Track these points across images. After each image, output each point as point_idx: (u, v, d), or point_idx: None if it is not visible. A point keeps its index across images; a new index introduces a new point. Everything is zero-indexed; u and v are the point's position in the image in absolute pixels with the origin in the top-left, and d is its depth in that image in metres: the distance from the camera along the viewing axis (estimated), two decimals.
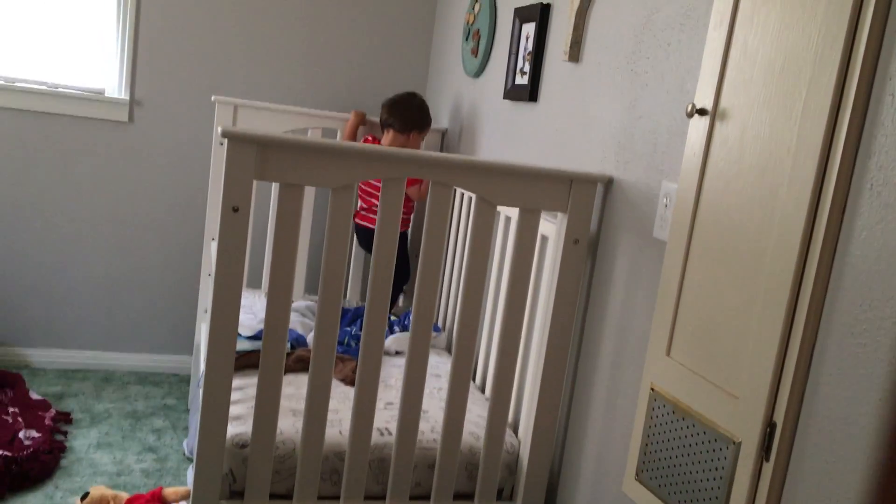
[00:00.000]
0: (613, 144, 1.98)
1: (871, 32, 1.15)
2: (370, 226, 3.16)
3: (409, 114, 3.06)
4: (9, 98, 3.33)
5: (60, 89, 3.40)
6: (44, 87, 3.38)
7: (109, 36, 3.43)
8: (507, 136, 2.72)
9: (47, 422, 2.96)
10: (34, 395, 3.18)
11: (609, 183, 1.98)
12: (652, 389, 1.58)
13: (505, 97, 2.71)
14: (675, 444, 1.49)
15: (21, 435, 2.79)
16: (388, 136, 3.08)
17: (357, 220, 3.24)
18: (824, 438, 1.21)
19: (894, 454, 1.09)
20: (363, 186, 3.18)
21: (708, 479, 1.40)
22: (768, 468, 1.29)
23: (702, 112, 1.49)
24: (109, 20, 3.41)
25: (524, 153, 2.55)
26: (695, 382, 1.45)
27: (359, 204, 3.22)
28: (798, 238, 1.24)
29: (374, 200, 3.11)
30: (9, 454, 2.61)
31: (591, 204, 1.95)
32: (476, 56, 3.03)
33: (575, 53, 2.22)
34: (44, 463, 2.67)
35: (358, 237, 3.34)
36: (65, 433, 2.98)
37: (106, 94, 3.46)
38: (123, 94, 3.45)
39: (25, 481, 2.59)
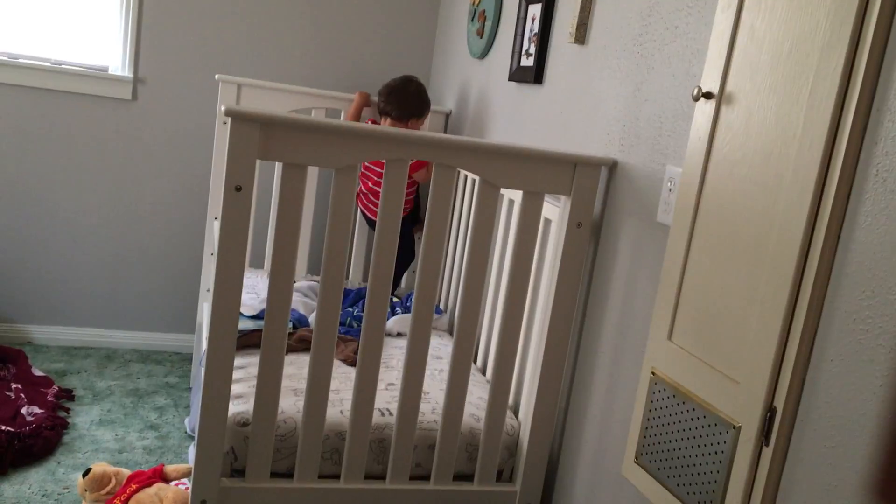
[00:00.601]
0: (618, 128, 1.97)
1: (879, 17, 1.14)
2: (373, 217, 3.15)
3: (406, 101, 3.04)
4: (11, 74, 3.32)
5: (64, 66, 3.39)
6: (47, 64, 3.37)
7: (113, 13, 3.41)
8: (511, 118, 2.71)
9: (50, 398, 2.97)
10: (37, 372, 3.19)
11: (613, 166, 1.98)
12: (653, 373, 1.58)
13: (510, 79, 2.70)
14: (675, 428, 1.50)
15: (24, 411, 2.81)
16: (385, 124, 3.05)
17: (365, 211, 3.24)
18: (824, 424, 1.21)
19: (894, 440, 1.09)
20: (371, 175, 3.16)
21: (707, 463, 1.40)
22: (768, 453, 1.29)
23: (708, 96, 1.48)
24: None
25: (528, 135, 2.54)
26: (696, 367, 1.45)
27: (359, 186, 3.21)
28: (802, 224, 1.23)
29: (378, 189, 3.09)
30: (11, 430, 2.63)
31: (594, 187, 1.94)
32: (481, 37, 3.01)
33: (581, 35, 2.20)
34: (46, 439, 2.69)
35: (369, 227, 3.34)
36: (67, 410, 2.99)
37: (109, 72, 3.45)
38: (127, 72, 3.44)
39: (28, 457, 2.61)
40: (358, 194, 3.22)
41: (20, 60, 3.34)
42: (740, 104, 1.40)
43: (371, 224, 3.23)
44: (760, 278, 1.31)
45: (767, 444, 1.29)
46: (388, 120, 3.04)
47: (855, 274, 1.17)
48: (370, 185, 3.15)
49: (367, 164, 3.14)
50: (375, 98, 3.24)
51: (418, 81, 3.11)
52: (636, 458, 1.62)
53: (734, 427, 1.34)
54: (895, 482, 1.09)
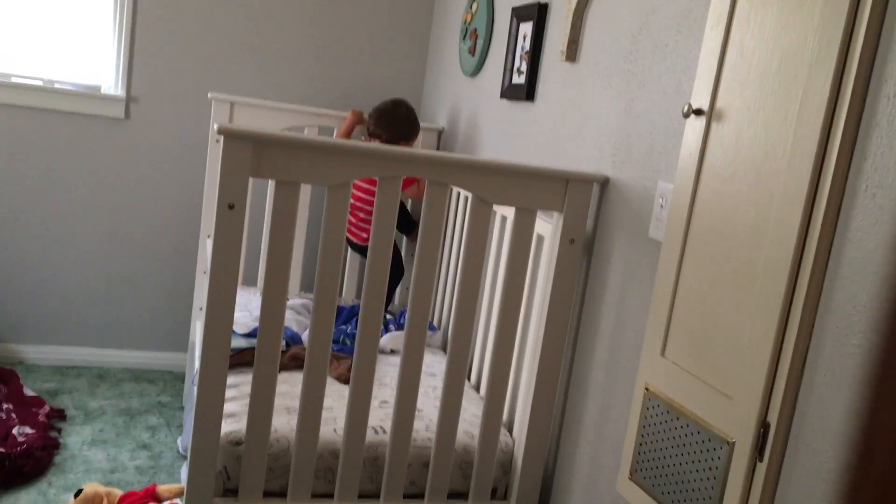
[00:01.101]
0: (610, 144, 1.98)
1: (867, 34, 1.16)
2: (355, 241, 3.12)
3: (395, 125, 3.04)
4: (4, 94, 3.32)
5: (56, 85, 3.39)
6: (40, 83, 3.38)
7: (106, 32, 3.42)
8: (503, 135, 2.72)
9: (41, 418, 2.95)
10: (28, 392, 3.17)
11: (605, 183, 1.98)
12: (646, 389, 1.58)
13: (502, 96, 2.71)
14: (669, 444, 1.49)
15: (15, 431, 2.79)
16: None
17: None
18: (818, 439, 1.21)
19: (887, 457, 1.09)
20: (353, 191, 3.16)
21: (702, 479, 1.40)
22: (762, 468, 1.29)
23: (698, 112, 1.49)
24: (106, 16, 3.40)
25: (521, 152, 2.55)
26: (689, 382, 1.45)
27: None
28: (793, 239, 1.24)
29: (360, 214, 3.07)
30: (2, 450, 2.60)
31: (587, 204, 1.95)
32: (473, 55, 3.03)
33: (572, 53, 2.22)
34: (37, 459, 2.66)
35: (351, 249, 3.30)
36: (59, 430, 2.97)
37: (102, 91, 3.46)
38: (120, 91, 3.44)
39: (19, 478, 2.59)
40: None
41: (13, 79, 3.34)
42: (730, 120, 1.41)
43: (349, 244, 3.20)
44: (752, 293, 1.32)
45: (761, 460, 1.29)
46: (378, 142, 3.04)
47: (846, 288, 1.18)
48: (352, 201, 3.13)
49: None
50: (367, 117, 3.24)
51: (408, 105, 3.11)
52: (631, 474, 1.61)
53: (728, 443, 1.34)
54: (862, 491, 1.09)
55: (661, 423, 1.52)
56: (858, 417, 1.14)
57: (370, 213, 2.99)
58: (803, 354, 1.25)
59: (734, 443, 1.33)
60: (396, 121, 3.04)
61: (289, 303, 2.89)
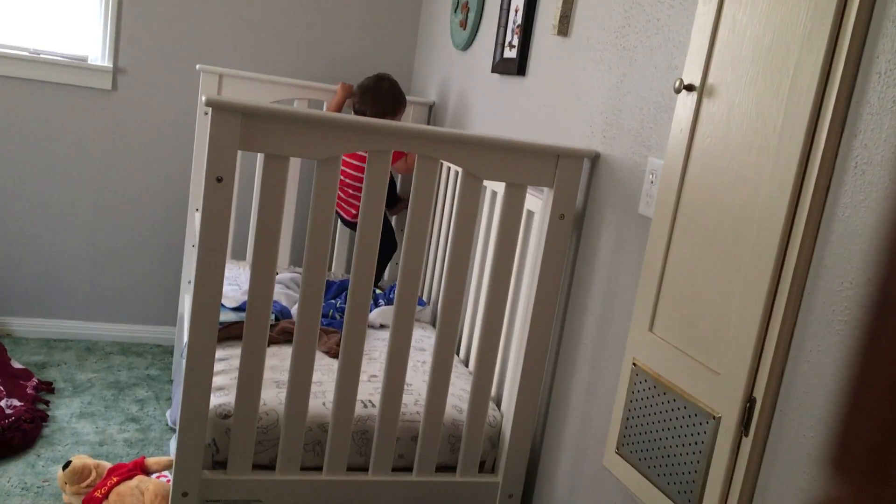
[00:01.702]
0: (601, 120, 1.97)
1: (859, 11, 1.15)
2: (345, 216, 3.12)
3: (379, 100, 3.03)
4: None
5: (42, 56, 3.35)
6: (25, 54, 3.33)
7: (93, 2, 3.37)
8: (494, 110, 2.71)
9: (29, 391, 2.95)
10: (16, 365, 3.17)
11: (596, 158, 1.98)
12: (634, 364, 1.59)
13: (493, 71, 2.70)
14: (655, 419, 1.51)
15: (3, 404, 2.78)
16: None
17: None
18: (803, 414, 1.22)
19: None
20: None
21: (688, 453, 1.41)
22: (747, 443, 1.30)
23: (689, 88, 1.48)
24: None
25: (511, 127, 2.54)
26: (676, 358, 1.46)
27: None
28: (782, 215, 1.24)
29: (349, 190, 3.07)
30: None
31: (577, 179, 1.95)
32: (464, 29, 3.01)
33: (564, 27, 2.20)
34: (26, 432, 2.66)
35: (342, 223, 3.31)
36: (47, 402, 2.97)
37: (89, 62, 3.42)
38: (107, 62, 3.40)
39: (7, 450, 2.59)
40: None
41: None
42: (722, 97, 1.41)
43: (340, 219, 3.21)
44: (741, 270, 1.32)
45: (747, 435, 1.30)
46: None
47: (834, 265, 1.18)
48: (341, 177, 3.13)
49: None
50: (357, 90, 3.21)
51: (391, 79, 3.09)
52: (617, 448, 1.63)
53: (714, 417, 1.35)
54: (847, 452, 1.11)
55: (647, 397, 1.53)
56: (844, 392, 1.15)
57: (359, 189, 2.98)
58: (790, 330, 1.25)
59: (720, 417, 1.34)
60: (380, 95, 3.03)
61: (278, 277, 2.89)
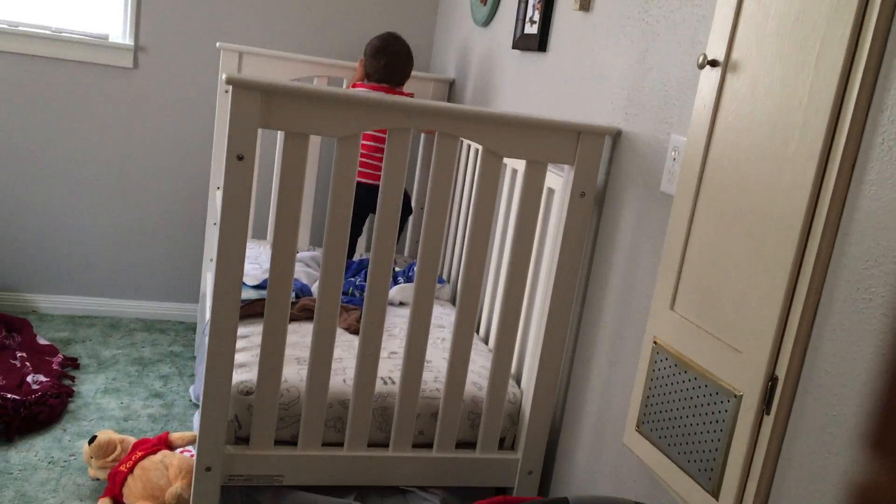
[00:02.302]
0: (622, 96, 1.96)
1: None
2: (364, 181, 3.09)
3: (403, 68, 2.97)
4: (12, 42, 3.30)
5: (64, 34, 3.36)
6: (47, 32, 3.35)
7: None
8: (515, 86, 2.69)
9: (55, 367, 2.99)
10: (41, 341, 3.21)
11: (617, 135, 1.96)
12: (655, 342, 1.58)
13: (513, 47, 2.67)
14: (676, 397, 1.50)
15: (29, 379, 2.83)
16: (375, 88, 2.97)
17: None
18: (825, 393, 1.21)
19: (892, 409, 1.09)
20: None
21: (708, 432, 1.41)
22: (769, 421, 1.30)
23: (713, 63, 1.46)
24: None
25: (532, 104, 2.52)
26: (698, 336, 1.46)
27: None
28: (807, 193, 1.23)
29: (364, 160, 3.03)
30: (17, 398, 2.65)
31: (598, 157, 1.93)
32: (485, 4, 2.98)
33: (586, 3, 2.18)
34: (52, 407, 2.71)
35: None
36: (72, 378, 3.01)
37: (110, 40, 3.43)
38: (128, 40, 3.41)
39: (34, 425, 2.63)
40: None
41: (20, 28, 3.32)
42: (746, 72, 1.39)
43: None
44: (764, 247, 1.31)
45: (768, 413, 1.30)
46: (382, 85, 2.99)
47: (859, 243, 1.17)
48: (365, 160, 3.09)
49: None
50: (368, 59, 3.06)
51: (403, 40, 3.02)
52: (638, 426, 1.63)
53: (735, 396, 1.35)
54: (889, 432, 1.10)
55: (668, 376, 1.53)
56: (882, 371, 1.14)
57: (373, 152, 2.96)
58: (813, 309, 1.24)
59: (741, 396, 1.33)
60: (404, 64, 2.97)
61: (298, 255, 2.90)
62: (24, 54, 3.32)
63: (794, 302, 1.26)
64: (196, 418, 2.46)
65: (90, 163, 3.51)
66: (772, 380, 1.29)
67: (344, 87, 3.28)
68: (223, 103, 3.08)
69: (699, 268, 1.48)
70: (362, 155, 3.01)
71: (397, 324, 2.46)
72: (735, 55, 1.42)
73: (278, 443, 1.95)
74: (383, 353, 2.14)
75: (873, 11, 1.14)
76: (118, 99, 3.46)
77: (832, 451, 1.19)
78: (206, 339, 1.81)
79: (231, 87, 1.66)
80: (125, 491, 2.26)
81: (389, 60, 2.95)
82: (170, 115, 3.53)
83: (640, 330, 1.78)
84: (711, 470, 1.39)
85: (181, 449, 2.41)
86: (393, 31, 3.10)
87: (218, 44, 3.09)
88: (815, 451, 1.22)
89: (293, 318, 2.34)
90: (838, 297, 1.20)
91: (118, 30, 3.43)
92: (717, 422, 1.39)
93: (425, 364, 2.01)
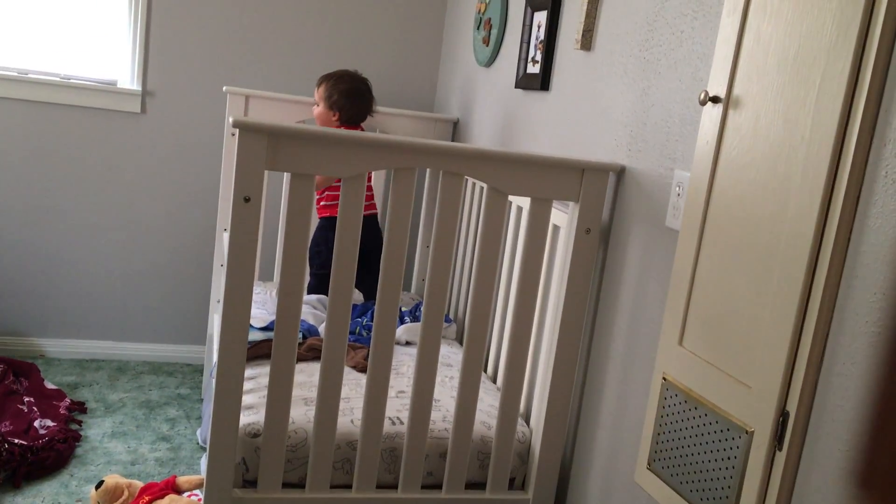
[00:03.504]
0: (625, 133, 1.97)
1: (885, 20, 1.14)
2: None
3: (368, 106, 2.99)
4: (22, 90, 3.34)
5: (73, 80, 3.41)
6: (56, 79, 3.40)
7: (122, 27, 3.44)
8: (518, 125, 2.72)
9: (62, 411, 2.98)
10: (49, 385, 3.21)
11: (621, 172, 1.97)
12: (664, 379, 1.57)
13: (516, 86, 2.70)
14: (687, 434, 1.49)
15: (36, 424, 2.82)
16: (336, 124, 2.96)
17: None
18: (838, 427, 1.20)
19: None
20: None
21: (720, 469, 1.39)
22: (781, 457, 1.28)
23: (715, 100, 1.48)
24: (122, 11, 3.42)
25: (536, 142, 2.54)
26: (707, 372, 1.45)
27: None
28: (812, 227, 1.23)
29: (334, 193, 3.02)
30: (25, 443, 2.63)
31: (602, 193, 1.94)
32: (487, 45, 3.02)
33: (587, 42, 2.21)
34: (59, 452, 2.69)
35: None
36: (79, 422, 3.00)
37: (118, 86, 3.47)
38: (136, 86, 3.46)
39: (41, 470, 2.62)
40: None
41: (30, 75, 3.37)
42: (747, 108, 1.40)
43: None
44: (771, 282, 1.31)
45: (780, 449, 1.28)
46: (360, 126, 2.99)
47: (865, 276, 1.17)
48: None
49: None
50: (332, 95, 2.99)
51: (364, 78, 3.02)
52: (649, 464, 1.61)
53: (747, 432, 1.33)
54: (874, 471, 1.09)
55: (678, 412, 1.52)
56: (870, 407, 1.13)
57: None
58: (822, 343, 1.24)
59: (753, 432, 1.32)
60: (369, 102, 2.99)
61: (304, 298, 2.90)
62: (34, 101, 3.37)
63: (802, 336, 1.25)
64: (203, 461, 2.44)
65: (98, 207, 3.53)
66: (783, 415, 1.28)
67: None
68: (230, 146, 3.10)
69: (706, 303, 1.47)
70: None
71: (405, 362, 2.45)
72: (736, 91, 1.43)
73: (286, 485, 1.93)
74: (391, 393, 2.13)
75: (872, 45, 1.15)
76: (126, 143, 3.50)
77: (846, 487, 1.17)
78: (214, 381, 1.81)
79: (238, 130, 1.68)
80: None
81: (366, 104, 2.99)
82: (177, 158, 3.56)
83: (648, 366, 1.77)
84: None
85: (189, 493, 2.38)
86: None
87: (224, 88, 3.12)
88: (830, 487, 1.20)
89: (300, 359, 2.33)
90: (847, 331, 1.20)
91: (126, 75, 3.48)
92: (728, 458, 1.37)
93: (433, 403, 2.00)
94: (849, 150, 1.19)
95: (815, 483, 1.24)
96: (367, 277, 2.84)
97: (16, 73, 3.35)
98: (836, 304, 1.22)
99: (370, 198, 3.02)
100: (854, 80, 1.18)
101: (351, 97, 2.95)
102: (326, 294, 2.87)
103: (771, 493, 1.30)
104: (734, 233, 1.41)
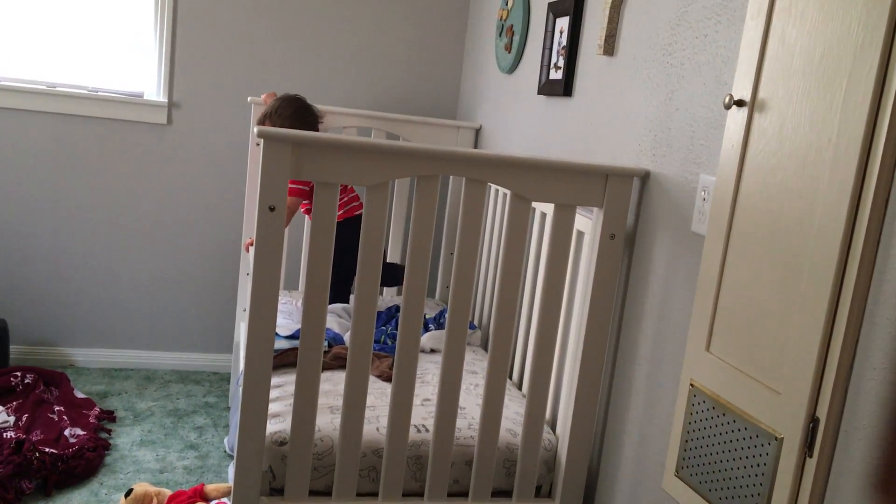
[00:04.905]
0: (649, 138, 1.96)
1: None
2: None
3: (314, 118, 2.99)
4: (50, 102, 3.40)
5: (100, 93, 3.46)
6: (84, 92, 3.45)
7: (148, 39, 3.48)
8: (541, 131, 2.71)
9: (91, 420, 3.02)
10: (79, 394, 3.24)
11: (645, 177, 1.96)
12: (691, 385, 1.56)
13: (539, 92, 2.70)
14: (715, 441, 1.47)
15: (67, 433, 2.85)
16: None
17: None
18: (869, 433, 1.18)
19: None
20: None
21: (749, 476, 1.38)
22: (811, 464, 1.26)
23: (740, 103, 1.46)
24: (147, 24, 3.47)
25: (559, 148, 2.54)
26: (735, 378, 1.43)
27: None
28: (840, 230, 1.21)
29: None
30: (55, 452, 2.66)
31: (627, 198, 1.93)
32: (509, 52, 3.02)
33: (609, 47, 2.20)
34: (89, 460, 2.72)
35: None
36: (109, 431, 3.03)
37: (145, 97, 3.52)
38: (162, 97, 3.50)
39: (71, 478, 2.65)
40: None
41: (58, 89, 3.42)
42: (773, 111, 1.39)
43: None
44: (799, 286, 1.29)
45: (811, 456, 1.27)
46: None
47: (895, 279, 1.15)
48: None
49: None
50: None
51: (296, 94, 3.00)
52: (677, 471, 1.59)
53: (776, 438, 1.32)
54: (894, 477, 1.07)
55: (706, 419, 1.50)
56: (891, 413, 1.11)
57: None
58: (853, 347, 1.22)
59: (782, 438, 1.30)
60: (310, 111, 2.98)
61: (329, 307, 2.91)
62: (63, 114, 3.42)
63: (832, 341, 1.23)
64: (231, 469, 2.46)
65: (125, 217, 3.57)
66: (813, 421, 1.26)
67: (372, 135, 3.31)
68: (255, 156, 3.13)
69: (734, 308, 1.46)
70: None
71: (430, 370, 2.45)
72: (761, 94, 1.42)
73: (313, 493, 1.94)
74: (416, 401, 2.13)
75: None
76: (152, 154, 3.54)
77: (879, 494, 1.15)
78: (241, 389, 1.82)
79: (262, 139, 1.69)
80: None
81: (313, 115, 2.98)
82: (203, 168, 3.60)
83: (675, 372, 1.75)
84: None
85: (216, 501, 2.40)
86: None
87: (249, 98, 3.15)
88: (861, 494, 1.19)
89: (326, 367, 2.34)
90: (878, 335, 1.18)
91: (153, 87, 3.52)
92: (758, 465, 1.36)
93: (459, 411, 2.00)
94: (877, 152, 1.17)
95: (846, 489, 1.22)
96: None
97: (45, 87, 3.40)
98: (865, 308, 1.20)
99: (356, 198, 3.06)
100: (881, 81, 1.17)
101: (299, 118, 2.93)
102: (336, 300, 2.90)
103: (802, 501, 1.28)
104: (761, 236, 1.40)
